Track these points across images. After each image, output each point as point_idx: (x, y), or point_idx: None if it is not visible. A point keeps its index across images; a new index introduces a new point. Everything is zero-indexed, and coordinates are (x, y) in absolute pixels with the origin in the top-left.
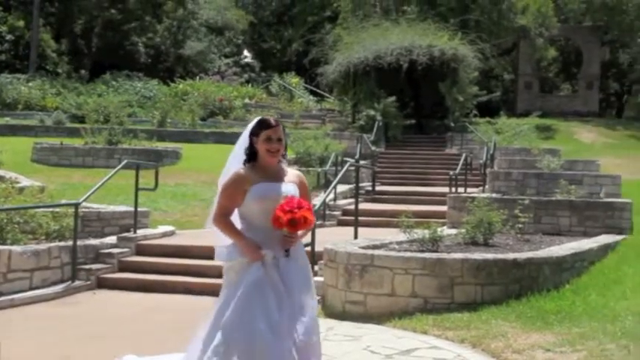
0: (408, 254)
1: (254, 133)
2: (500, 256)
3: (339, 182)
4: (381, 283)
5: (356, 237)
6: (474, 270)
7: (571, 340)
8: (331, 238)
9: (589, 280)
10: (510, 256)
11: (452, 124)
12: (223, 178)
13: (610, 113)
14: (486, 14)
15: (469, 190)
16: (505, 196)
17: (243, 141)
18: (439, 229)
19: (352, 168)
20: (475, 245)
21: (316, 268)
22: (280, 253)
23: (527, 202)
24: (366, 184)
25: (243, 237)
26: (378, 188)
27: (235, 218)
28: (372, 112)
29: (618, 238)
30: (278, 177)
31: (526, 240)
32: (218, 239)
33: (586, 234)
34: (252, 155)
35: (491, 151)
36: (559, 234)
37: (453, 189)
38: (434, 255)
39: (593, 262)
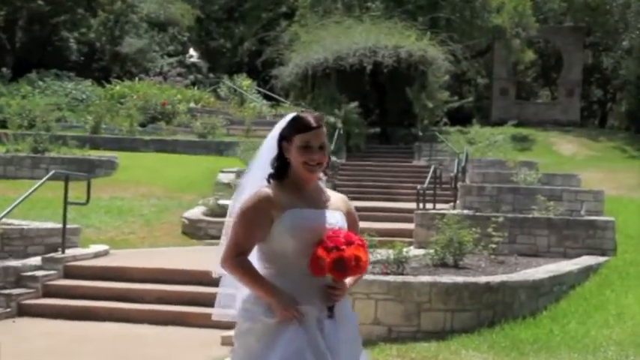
0: (371, 277)
1: (285, 137)
2: (471, 279)
3: None
4: None
5: None
6: (442, 295)
7: None
8: None
9: (568, 306)
10: (483, 279)
11: (420, 133)
12: (237, 200)
13: (592, 123)
14: (458, 12)
15: (438, 206)
16: (477, 213)
17: (270, 147)
18: (405, 250)
19: None
20: (444, 267)
21: None
22: (323, 312)
23: (501, 219)
24: None
25: (271, 286)
26: None
27: (253, 258)
28: (332, 119)
29: (601, 259)
30: (319, 201)
31: (500, 262)
32: (228, 281)
33: (566, 255)
34: (281, 168)
35: (462, 164)
36: (536, 255)
37: (421, 205)
38: (399, 278)
39: (573, 287)
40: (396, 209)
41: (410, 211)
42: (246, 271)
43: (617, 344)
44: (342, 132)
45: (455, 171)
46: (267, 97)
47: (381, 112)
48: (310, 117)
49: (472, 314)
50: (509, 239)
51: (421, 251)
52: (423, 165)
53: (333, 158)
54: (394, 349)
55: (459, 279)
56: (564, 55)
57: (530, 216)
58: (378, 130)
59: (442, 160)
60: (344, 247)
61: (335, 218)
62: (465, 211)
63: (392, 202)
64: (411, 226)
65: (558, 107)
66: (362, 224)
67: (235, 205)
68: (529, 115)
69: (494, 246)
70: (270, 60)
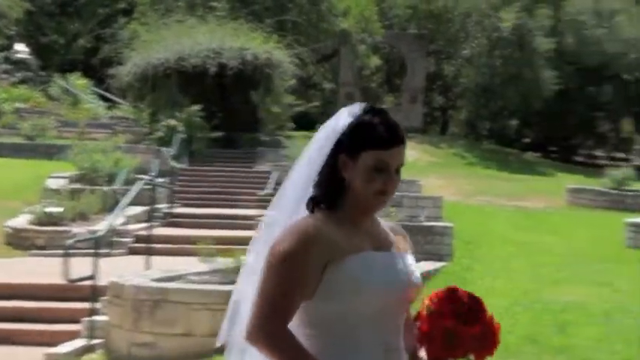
0: (209, 287)
1: (347, 149)
2: None
3: (132, 203)
4: (175, 322)
5: (148, 268)
6: None
7: None
8: (119, 269)
9: None
10: None
11: (265, 138)
12: (266, 240)
13: (434, 129)
14: (305, 15)
15: None
16: None
17: (317, 158)
18: (244, 258)
19: (147, 187)
20: None
21: (98, 305)
22: None
23: None
24: (164, 206)
25: None
26: (177, 210)
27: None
28: (172, 122)
29: (438, 265)
30: (384, 240)
31: None
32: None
33: None
34: (335, 192)
35: None
36: None
37: (264, 211)
38: None
39: None
40: (237, 216)
41: (251, 217)
42: (290, 346)
43: None
44: (184, 136)
45: None
46: (103, 98)
47: (226, 115)
48: (389, 122)
49: None
50: None
51: None
52: (266, 170)
53: (174, 163)
54: None
55: None
56: (408, 62)
57: None
58: (222, 134)
59: (286, 165)
60: (484, 314)
61: (410, 267)
62: None
63: (234, 208)
64: (251, 233)
65: (402, 113)
66: (202, 232)
67: (262, 246)
68: None
69: None
70: (108, 59)
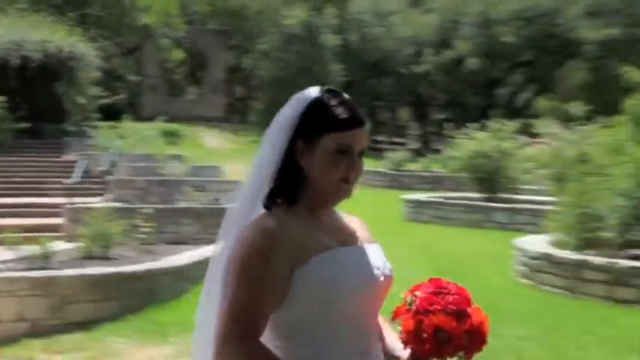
0: (14, 274)
1: (304, 134)
2: (117, 269)
3: None
4: None
5: None
6: (88, 286)
7: (189, 349)
8: None
9: None
10: (128, 268)
11: (71, 129)
12: (225, 244)
13: (235, 118)
14: (108, 10)
15: (90, 199)
16: (126, 205)
17: (272, 149)
18: (51, 244)
19: None
20: (93, 259)
21: None
22: None
23: (150, 210)
24: None
25: None
26: None
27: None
28: None
29: None
30: (346, 233)
31: (148, 251)
32: None
33: (209, 241)
34: (293, 185)
35: (112, 158)
36: (183, 243)
37: (71, 199)
38: (45, 273)
39: None
40: (45, 204)
41: (57, 205)
42: (263, 357)
43: None
44: None
45: (104, 165)
46: None
47: (31, 107)
48: (348, 103)
49: (118, 303)
50: (157, 229)
51: (70, 245)
52: (72, 160)
53: None
54: (38, 344)
55: (106, 270)
56: (209, 56)
57: (177, 206)
58: (28, 125)
59: (93, 155)
60: (469, 308)
61: (380, 258)
62: (114, 204)
63: (41, 197)
64: (59, 220)
65: (205, 104)
66: (10, 221)
67: (222, 251)
68: (178, 110)
69: (143, 236)
70: None
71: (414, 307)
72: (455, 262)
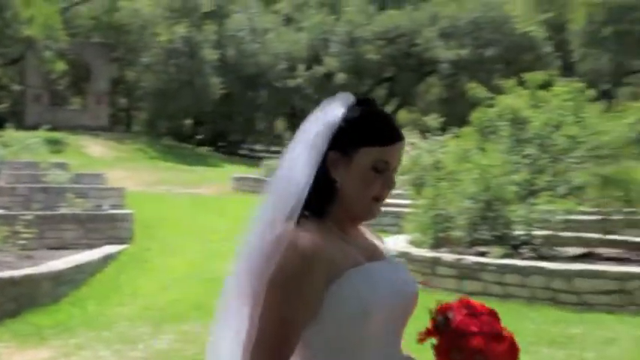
0: None
1: (341, 146)
2: None
3: None
4: None
5: None
6: None
7: (67, 352)
8: None
9: (89, 290)
10: (6, 274)
11: None
12: (250, 257)
13: (119, 128)
14: None
15: None
16: (6, 212)
17: (303, 160)
18: None
19: None
20: None
21: None
22: None
23: (31, 217)
24: None
25: None
26: None
27: None
28: None
29: (120, 248)
30: (373, 248)
31: (29, 256)
32: None
33: (91, 246)
34: (326, 198)
35: None
36: (65, 248)
37: None
38: None
39: (94, 274)
40: None
41: None
42: None
43: (129, 319)
44: None
45: None
46: None
47: None
48: (387, 115)
49: None
50: (39, 235)
51: None
52: None
53: None
54: None
55: None
56: (93, 68)
57: (58, 212)
58: None
59: None
60: (504, 330)
61: (408, 274)
62: None
63: None
64: None
65: (89, 114)
66: None
67: (247, 265)
68: (63, 120)
69: (24, 242)
70: None
71: (448, 330)
72: None
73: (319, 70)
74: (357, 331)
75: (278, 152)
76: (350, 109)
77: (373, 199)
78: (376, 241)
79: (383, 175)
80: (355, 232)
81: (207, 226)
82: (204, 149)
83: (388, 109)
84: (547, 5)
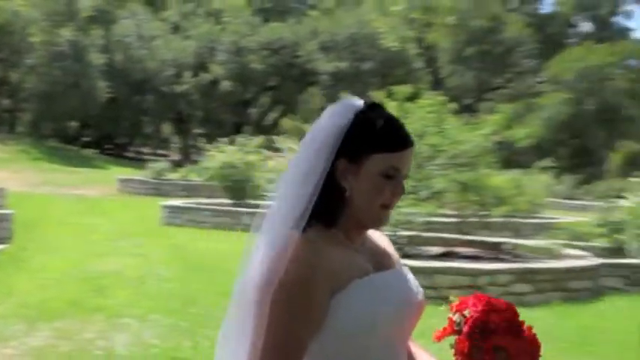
0: None
1: (350, 152)
2: None
3: None
4: None
5: None
6: None
7: None
8: None
9: None
10: None
11: None
12: (256, 266)
13: (3, 129)
14: None
15: None
16: None
17: (308, 167)
18: None
19: None
20: None
21: None
22: None
23: None
24: None
25: None
26: None
27: None
28: None
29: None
30: (382, 255)
31: None
32: None
33: None
34: (335, 207)
35: None
36: None
37: None
38: None
39: None
40: None
41: None
42: None
43: (2, 317)
44: None
45: None
46: None
47: None
48: (396, 120)
49: None
50: None
51: None
52: None
53: None
54: None
55: None
56: None
57: None
58: None
59: None
60: (524, 325)
61: (414, 282)
62: None
63: None
64: None
65: None
66: None
67: (252, 276)
68: None
69: None
70: None
71: (466, 328)
72: (205, 259)
73: (205, 77)
74: (362, 341)
75: (164, 155)
76: (358, 114)
77: (382, 207)
78: (387, 247)
79: (392, 182)
80: (364, 238)
81: (88, 227)
82: (90, 151)
83: (272, 116)
84: (410, 25)
